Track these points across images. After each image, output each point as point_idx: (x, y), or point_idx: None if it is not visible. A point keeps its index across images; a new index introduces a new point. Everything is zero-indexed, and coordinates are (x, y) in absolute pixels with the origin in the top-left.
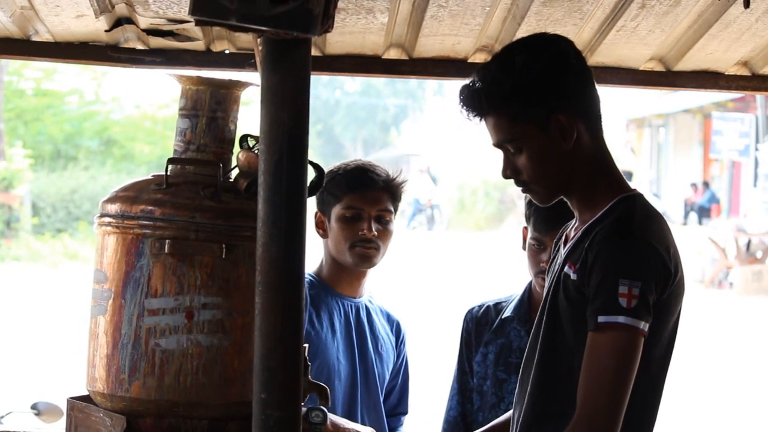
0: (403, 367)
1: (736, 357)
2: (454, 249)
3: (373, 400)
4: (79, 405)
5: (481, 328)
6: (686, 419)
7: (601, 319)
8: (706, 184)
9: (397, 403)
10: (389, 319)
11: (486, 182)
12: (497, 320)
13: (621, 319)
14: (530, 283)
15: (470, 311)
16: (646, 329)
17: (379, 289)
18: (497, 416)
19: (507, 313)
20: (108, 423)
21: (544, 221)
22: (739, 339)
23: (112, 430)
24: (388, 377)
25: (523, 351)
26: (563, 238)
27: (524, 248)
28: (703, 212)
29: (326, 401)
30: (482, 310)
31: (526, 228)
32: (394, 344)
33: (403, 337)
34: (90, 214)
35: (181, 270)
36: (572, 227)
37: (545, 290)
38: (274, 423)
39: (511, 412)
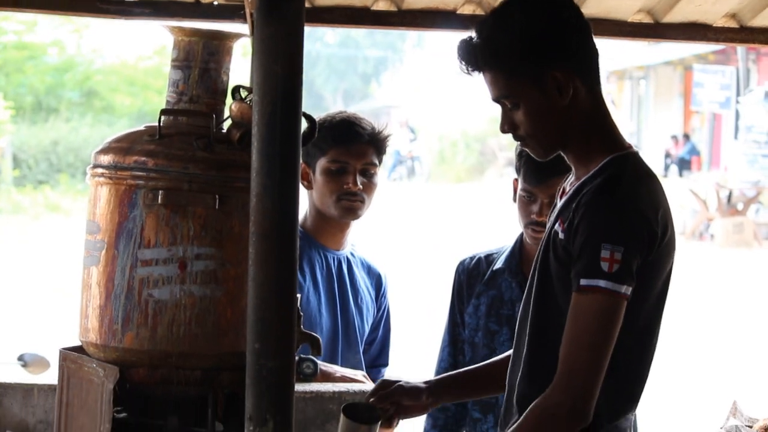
0: (384, 320)
1: (717, 308)
2: (434, 201)
3: (353, 353)
4: (72, 356)
5: (473, 280)
6: (670, 370)
7: (583, 282)
8: (686, 137)
9: (377, 355)
10: (370, 271)
11: (466, 134)
12: (489, 272)
13: (602, 283)
14: (521, 235)
15: (462, 263)
16: (629, 293)
17: (362, 240)
18: None
19: (498, 264)
20: (101, 373)
21: (534, 173)
22: (720, 290)
23: (105, 381)
24: (367, 330)
25: (514, 303)
26: (561, 190)
27: (514, 200)
28: (684, 164)
29: (318, 351)
30: (474, 261)
31: (516, 179)
32: (374, 297)
33: (384, 289)
34: (71, 167)
35: (174, 221)
36: (569, 181)
37: (540, 245)
38: (268, 373)
39: (497, 358)
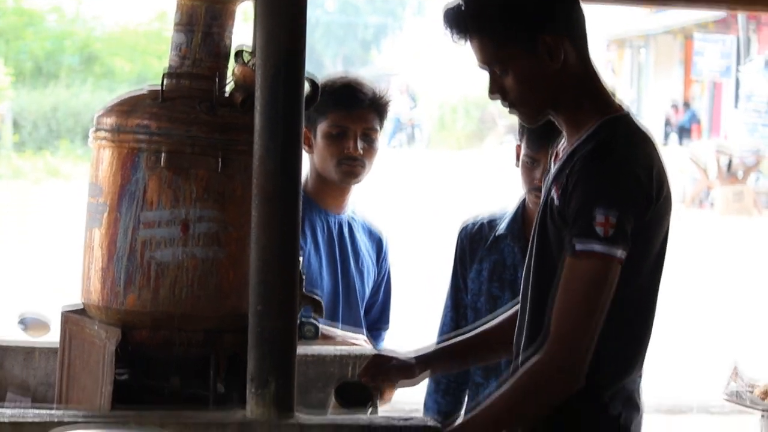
0: (384, 283)
1: (717, 275)
2: (434, 167)
3: (353, 316)
4: (74, 317)
5: (476, 245)
6: (670, 336)
7: (578, 246)
8: (686, 105)
9: (378, 318)
10: (371, 234)
11: (466, 100)
12: (491, 237)
13: (597, 247)
14: (523, 200)
15: (464, 228)
16: (623, 256)
17: (362, 205)
18: None
19: (500, 230)
20: (103, 335)
21: (537, 138)
22: (720, 258)
23: (107, 343)
24: (368, 293)
25: (516, 267)
26: (554, 155)
27: (517, 165)
28: (684, 132)
29: (321, 313)
30: (476, 226)
31: (519, 145)
32: (374, 260)
33: (385, 252)
34: (71, 132)
35: (177, 183)
36: (562, 146)
37: (538, 211)
38: (270, 334)
39: (491, 324)
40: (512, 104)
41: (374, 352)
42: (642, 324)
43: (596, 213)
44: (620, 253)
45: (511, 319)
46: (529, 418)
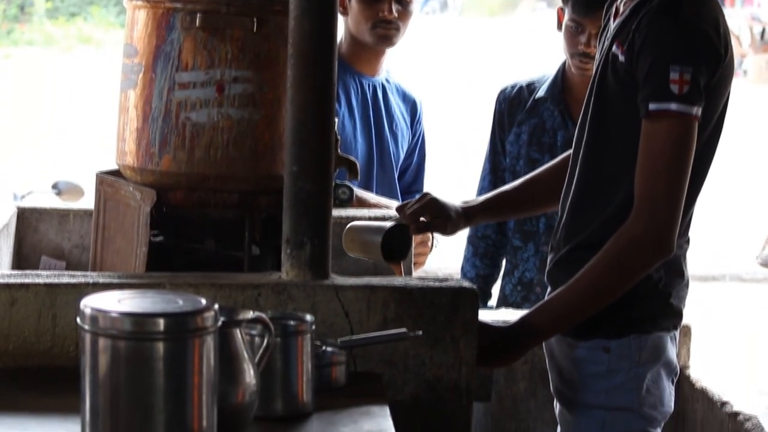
0: (419, 146)
1: (749, 143)
2: (467, 34)
3: (388, 179)
4: (108, 179)
5: (514, 108)
6: (704, 204)
7: (652, 106)
8: None
9: (412, 181)
10: (405, 97)
11: None
12: (530, 100)
13: (673, 106)
14: (563, 64)
15: (503, 91)
16: (699, 114)
17: (397, 69)
18: None
19: (540, 93)
20: (138, 197)
21: (583, 3)
22: (752, 126)
23: (142, 204)
24: (402, 156)
25: (555, 131)
26: (613, 9)
27: (559, 29)
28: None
29: (355, 175)
30: (515, 90)
31: (561, 9)
32: (409, 123)
33: (419, 115)
34: None
35: (212, 44)
36: (622, 1)
37: (594, 68)
38: (306, 195)
39: (536, 173)
40: None
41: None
42: (692, 188)
43: (671, 70)
44: (696, 110)
45: (559, 169)
46: (614, 293)
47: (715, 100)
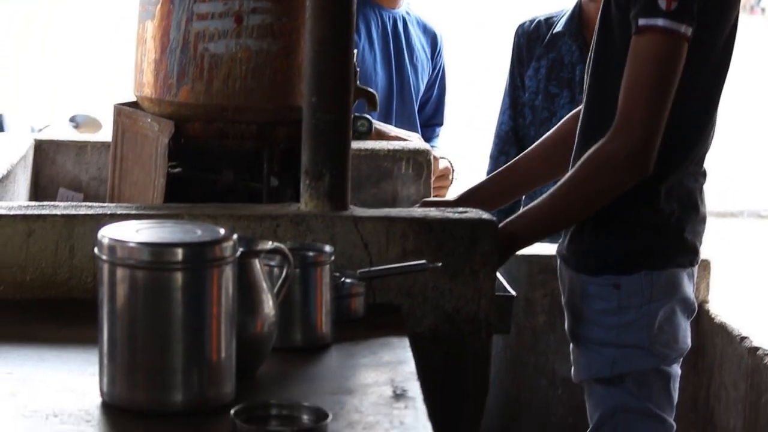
0: (439, 79)
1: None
2: None
3: (407, 111)
4: (126, 110)
5: (533, 43)
6: (719, 141)
7: (641, 21)
8: None
9: (432, 114)
10: (426, 30)
11: None
12: (548, 35)
13: (660, 21)
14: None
15: (521, 26)
16: (689, 33)
17: (418, 1)
18: (549, 130)
19: (558, 27)
20: (156, 128)
21: None
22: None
23: (160, 135)
24: (422, 89)
25: (574, 66)
26: None
27: None
28: None
29: (374, 107)
30: (533, 24)
31: None
32: (429, 56)
33: (440, 48)
34: None
35: None
36: None
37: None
38: (324, 126)
39: (559, 126)
40: None
41: (427, 147)
42: (704, 118)
43: None
44: (685, 28)
45: (569, 128)
46: (587, 206)
47: (718, 19)
